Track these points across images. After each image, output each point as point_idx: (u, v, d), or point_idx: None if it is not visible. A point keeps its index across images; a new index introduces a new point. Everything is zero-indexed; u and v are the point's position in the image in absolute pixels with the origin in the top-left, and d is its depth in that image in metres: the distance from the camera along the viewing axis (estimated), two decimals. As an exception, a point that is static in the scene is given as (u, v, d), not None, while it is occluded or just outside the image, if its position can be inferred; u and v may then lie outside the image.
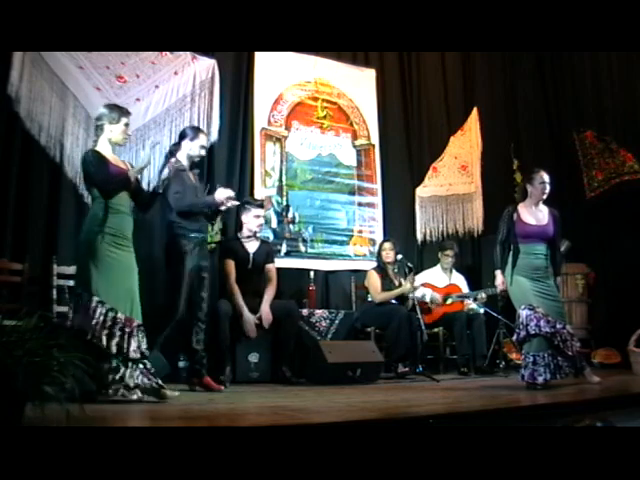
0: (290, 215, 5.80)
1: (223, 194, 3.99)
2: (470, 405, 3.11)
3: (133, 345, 3.20)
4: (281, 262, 5.37)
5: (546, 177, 4.14)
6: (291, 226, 5.79)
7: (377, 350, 4.75)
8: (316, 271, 5.73)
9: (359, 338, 5.22)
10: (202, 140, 4.14)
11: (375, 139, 6.52)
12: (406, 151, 6.80)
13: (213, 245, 5.24)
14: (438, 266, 5.93)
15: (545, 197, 4.16)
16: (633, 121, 6.38)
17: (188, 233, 3.88)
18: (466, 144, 6.62)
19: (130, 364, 3.18)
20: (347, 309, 5.66)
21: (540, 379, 3.82)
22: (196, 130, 4.26)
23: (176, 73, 5.25)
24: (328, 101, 6.33)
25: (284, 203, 5.81)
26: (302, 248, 5.84)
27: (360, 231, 6.27)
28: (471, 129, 6.60)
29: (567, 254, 5.73)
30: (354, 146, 6.42)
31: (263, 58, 5.91)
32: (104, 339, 3.12)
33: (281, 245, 5.67)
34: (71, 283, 4.51)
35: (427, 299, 5.64)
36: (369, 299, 5.57)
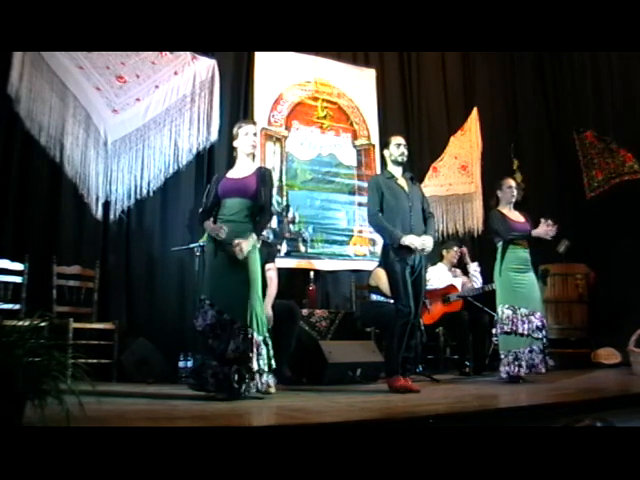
0: (290, 215, 5.80)
1: (415, 241, 3.79)
2: (470, 405, 3.11)
3: (231, 345, 3.25)
4: (281, 262, 5.36)
5: (512, 183, 4.68)
6: (291, 226, 5.78)
7: (377, 350, 4.74)
8: (316, 271, 5.73)
9: (359, 338, 5.21)
10: (395, 139, 4.07)
11: (375, 139, 6.52)
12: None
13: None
14: (442, 264, 5.86)
15: (514, 200, 4.62)
16: (633, 121, 6.38)
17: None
18: (466, 144, 6.62)
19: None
20: (347, 309, 5.66)
21: (522, 371, 4.27)
22: (389, 135, 4.25)
23: (176, 73, 5.25)
24: (328, 101, 6.34)
25: (284, 203, 5.81)
26: (302, 248, 5.84)
27: (360, 231, 6.27)
28: (471, 129, 6.59)
29: (567, 254, 5.74)
30: (354, 146, 6.42)
31: (263, 58, 5.91)
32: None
33: (281, 245, 5.67)
34: (71, 283, 4.55)
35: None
36: (372, 298, 5.54)
